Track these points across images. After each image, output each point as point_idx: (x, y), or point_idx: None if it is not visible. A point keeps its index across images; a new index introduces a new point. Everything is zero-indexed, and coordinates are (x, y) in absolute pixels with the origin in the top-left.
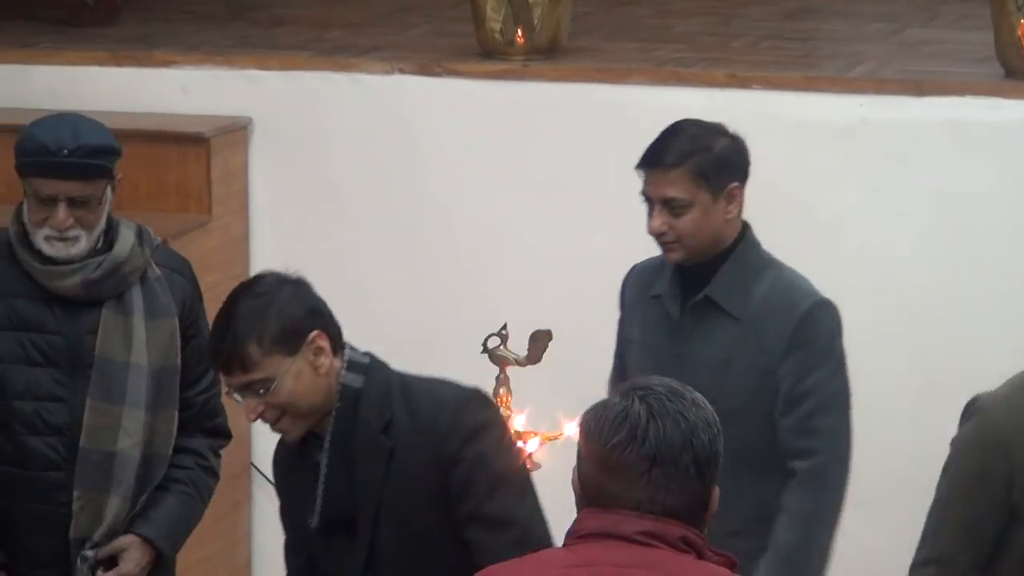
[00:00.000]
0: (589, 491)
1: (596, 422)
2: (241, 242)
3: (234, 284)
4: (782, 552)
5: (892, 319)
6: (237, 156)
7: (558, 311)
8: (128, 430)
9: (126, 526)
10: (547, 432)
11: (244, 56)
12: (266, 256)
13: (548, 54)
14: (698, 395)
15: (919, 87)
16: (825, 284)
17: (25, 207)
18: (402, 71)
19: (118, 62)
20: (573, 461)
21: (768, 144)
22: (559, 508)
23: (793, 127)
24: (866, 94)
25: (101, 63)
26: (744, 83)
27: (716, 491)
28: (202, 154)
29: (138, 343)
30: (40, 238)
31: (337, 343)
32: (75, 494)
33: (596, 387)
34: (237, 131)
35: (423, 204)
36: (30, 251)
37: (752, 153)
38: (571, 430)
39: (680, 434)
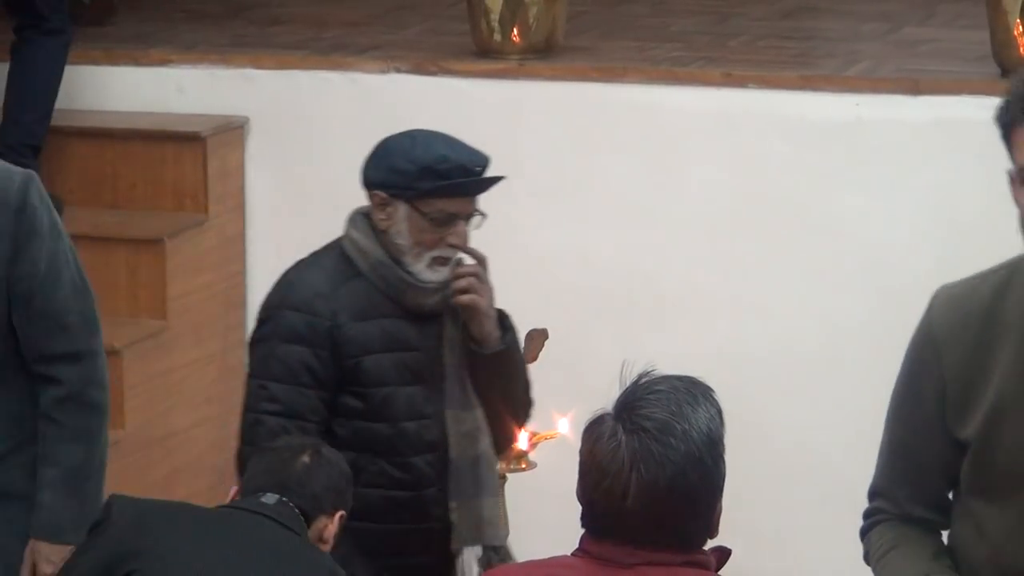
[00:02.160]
0: (587, 517)
1: (587, 456)
2: (237, 241)
3: (230, 283)
4: (65, 466)
5: (887, 318)
6: (233, 155)
7: (554, 310)
8: (484, 431)
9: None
10: (542, 432)
11: (240, 55)
12: (262, 255)
13: (544, 53)
14: (696, 417)
15: (915, 86)
16: (821, 283)
17: (400, 230)
18: (398, 70)
19: (114, 61)
20: (567, 460)
21: (764, 143)
22: (554, 507)
23: (789, 126)
24: (862, 93)
25: (97, 62)
26: (740, 82)
27: (719, 509)
28: (198, 153)
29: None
30: (424, 261)
31: None
32: (451, 505)
33: (592, 386)
34: (233, 130)
35: None
36: (399, 272)
37: (748, 152)
38: (565, 429)
39: (665, 479)
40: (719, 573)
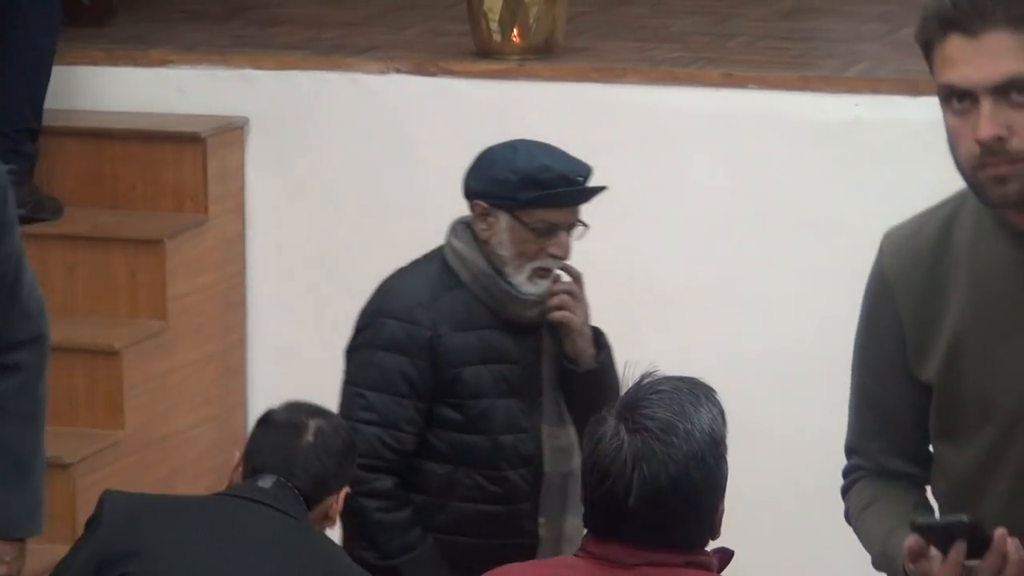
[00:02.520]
0: (589, 518)
1: (589, 456)
2: (237, 241)
3: (230, 284)
4: (14, 457)
5: None
6: (233, 156)
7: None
8: (576, 448)
9: None
10: None
11: (240, 56)
12: (262, 256)
13: (544, 54)
14: (699, 417)
15: (915, 87)
16: (820, 283)
17: (502, 240)
18: (398, 71)
19: (114, 61)
20: None
21: (763, 144)
22: None
23: (789, 127)
24: (862, 94)
25: (97, 62)
26: (740, 83)
27: (721, 509)
28: (198, 154)
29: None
30: (525, 273)
31: None
32: (540, 520)
33: None
34: (233, 130)
35: (419, 204)
36: (500, 283)
37: (748, 153)
38: None
39: (668, 480)
40: (721, 574)
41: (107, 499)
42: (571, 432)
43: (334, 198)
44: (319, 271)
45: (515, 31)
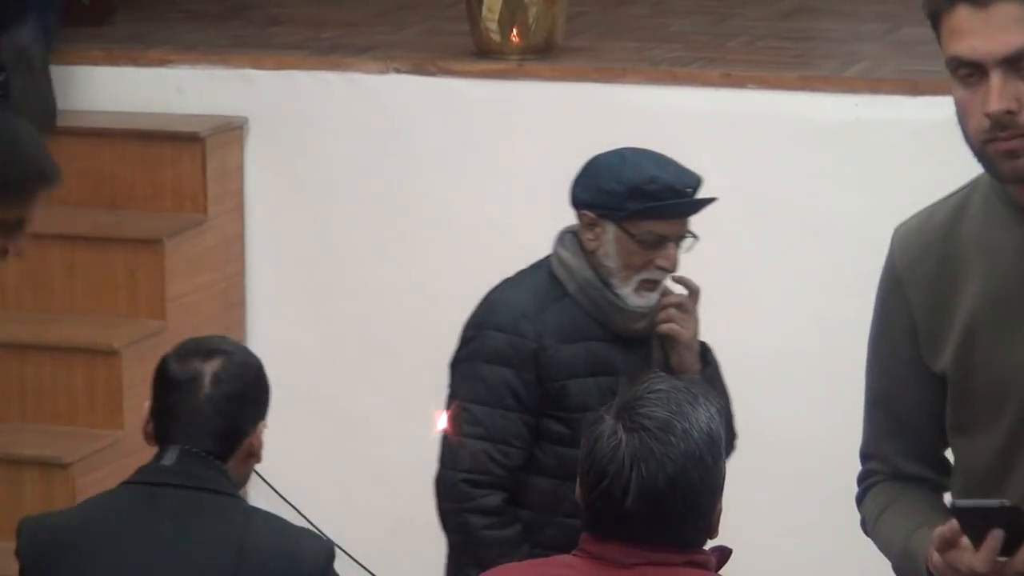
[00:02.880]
0: (587, 517)
1: (586, 456)
2: (237, 241)
3: (230, 284)
4: None
5: None
6: (233, 155)
7: None
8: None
9: None
10: None
11: (240, 55)
12: (262, 255)
13: (543, 54)
14: (696, 416)
15: (915, 87)
16: (820, 283)
17: (609, 251)
18: (397, 70)
19: (113, 61)
20: None
21: (763, 144)
22: None
23: (789, 127)
24: (862, 94)
25: (96, 62)
26: (740, 83)
27: (719, 509)
28: (197, 153)
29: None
30: (632, 285)
31: None
32: None
33: None
34: (233, 130)
35: (419, 203)
36: (607, 294)
37: (747, 153)
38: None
39: (666, 479)
40: (719, 573)
41: (23, 528)
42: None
43: (333, 198)
44: (318, 270)
45: (514, 31)
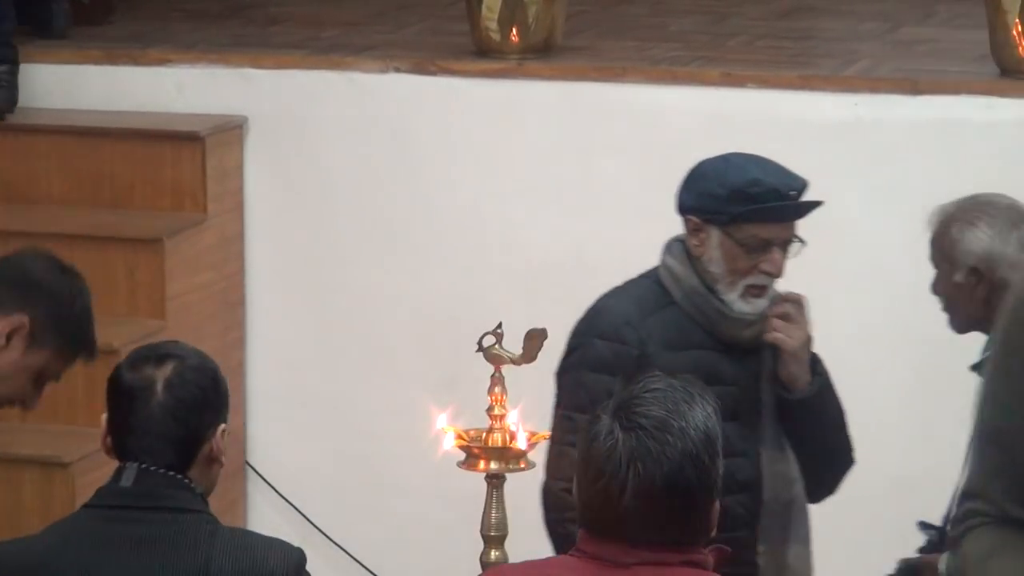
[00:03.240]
0: (583, 516)
1: (583, 456)
2: (236, 241)
3: (229, 283)
4: None
5: (886, 318)
6: (232, 155)
7: (553, 309)
8: (797, 475)
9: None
10: (541, 432)
11: (239, 55)
12: (261, 255)
13: (543, 53)
14: (693, 415)
15: (914, 86)
16: (820, 282)
17: (713, 257)
18: (397, 70)
19: (113, 61)
20: None
21: (763, 143)
22: None
23: (788, 126)
24: (861, 93)
25: (96, 62)
26: (739, 82)
27: (716, 508)
28: (197, 153)
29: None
30: (737, 291)
31: None
32: (759, 549)
33: None
34: (232, 130)
35: (418, 203)
36: (713, 301)
37: (747, 152)
38: None
39: (663, 477)
40: (717, 574)
41: None
42: (791, 458)
43: (333, 197)
44: (318, 270)
45: (514, 30)
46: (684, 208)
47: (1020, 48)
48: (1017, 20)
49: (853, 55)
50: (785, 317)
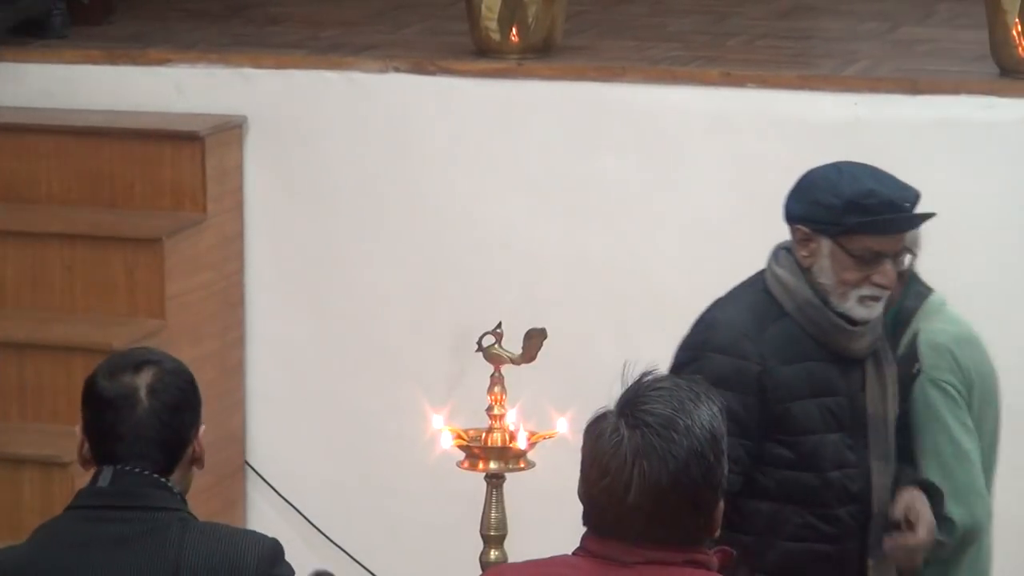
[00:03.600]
0: (587, 515)
1: (588, 453)
2: (236, 240)
3: (228, 283)
4: None
5: None
6: (232, 154)
7: (553, 309)
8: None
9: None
10: (541, 431)
11: (239, 54)
12: (261, 254)
13: (543, 53)
14: (699, 414)
15: (914, 86)
16: None
17: (823, 267)
18: (397, 69)
19: (112, 60)
20: (566, 460)
21: (763, 143)
22: (553, 507)
23: (788, 126)
24: (861, 93)
25: (95, 62)
26: (739, 82)
27: (720, 507)
28: (197, 152)
29: (890, 396)
30: (852, 299)
31: None
32: (869, 562)
33: (590, 386)
34: (232, 129)
35: (417, 202)
36: (827, 312)
37: (747, 152)
38: (564, 428)
39: (668, 475)
40: (721, 575)
41: None
42: (894, 470)
43: (332, 197)
44: (317, 269)
45: (514, 30)
46: (793, 217)
47: (1020, 48)
48: (1017, 20)
49: (853, 55)
50: (909, 520)
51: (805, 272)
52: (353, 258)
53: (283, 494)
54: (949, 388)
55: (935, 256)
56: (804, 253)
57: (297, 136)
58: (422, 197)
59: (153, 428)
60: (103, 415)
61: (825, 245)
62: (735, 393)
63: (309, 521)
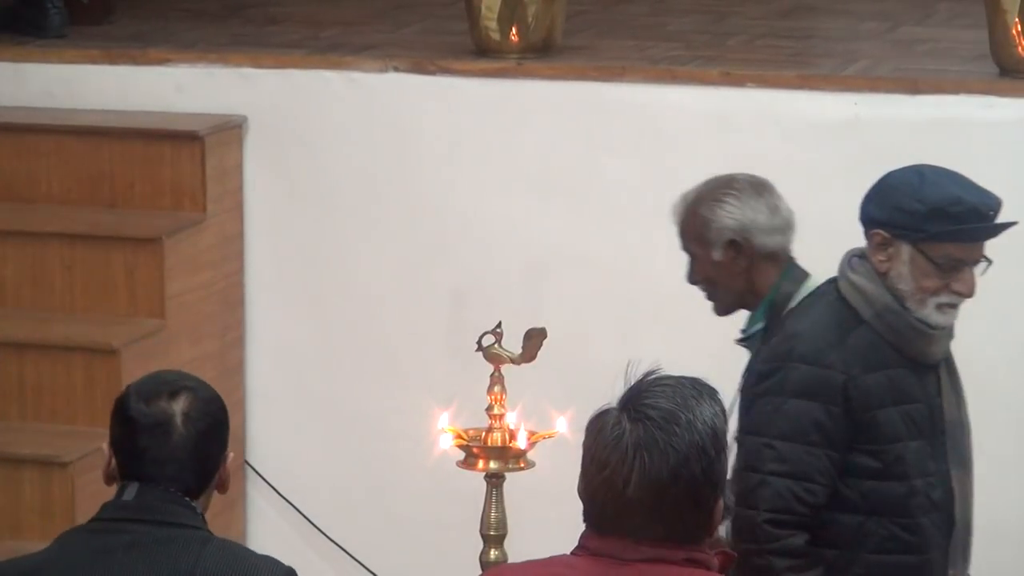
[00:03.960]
0: (588, 512)
1: (589, 447)
2: (236, 240)
3: (228, 282)
4: None
5: None
6: (232, 154)
7: (552, 309)
8: (973, 497)
9: None
10: (541, 431)
11: (239, 54)
12: (261, 254)
13: (542, 52)
14: (701, 410)
15: (914, 85)
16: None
17: (901, 273)
18: (396, 69)
19: (112, 60)
20: (566, 460)
21: (762, 143)
22: (553, 506)
23: (788, 125)
24: (861, 92)
25: (95, 61)
26: (739, 81)
27: (720, 505)
28: (197, 152)
29: (963, 403)
30: (930, 306)
31: None
32: (950, 573)
33: (590, 385)
34: (232, 129)
35: (417, 202)
36: (908, 318)
37: (747, 151)
38: (564, 428)
39: (668, 469)
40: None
41: None
42: (972, 479)
43: (332, 196)
44: (317, 269)
45: (514, 30)
46: (871, 221)
47: (1020, 48)
48: (1017, 20)
49: (853, 55)
50: None
51: (882, 277)
52: (353, 257)
53: (283, 493)
54: None
55: None
56: (881, 258)
57: (297, 136)
58: (422, 196)
59: (186, 453)
60: (136, 439)
61: (905, 251)
62: (820, 403)
63: (309, 520)
